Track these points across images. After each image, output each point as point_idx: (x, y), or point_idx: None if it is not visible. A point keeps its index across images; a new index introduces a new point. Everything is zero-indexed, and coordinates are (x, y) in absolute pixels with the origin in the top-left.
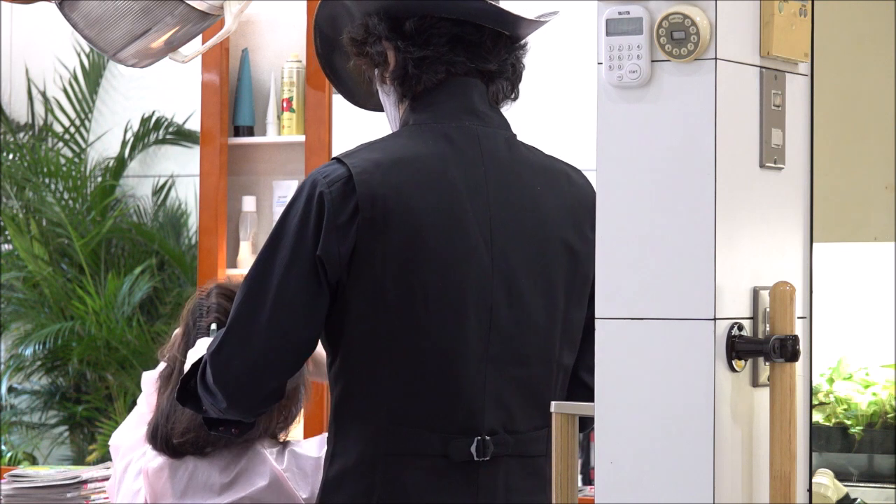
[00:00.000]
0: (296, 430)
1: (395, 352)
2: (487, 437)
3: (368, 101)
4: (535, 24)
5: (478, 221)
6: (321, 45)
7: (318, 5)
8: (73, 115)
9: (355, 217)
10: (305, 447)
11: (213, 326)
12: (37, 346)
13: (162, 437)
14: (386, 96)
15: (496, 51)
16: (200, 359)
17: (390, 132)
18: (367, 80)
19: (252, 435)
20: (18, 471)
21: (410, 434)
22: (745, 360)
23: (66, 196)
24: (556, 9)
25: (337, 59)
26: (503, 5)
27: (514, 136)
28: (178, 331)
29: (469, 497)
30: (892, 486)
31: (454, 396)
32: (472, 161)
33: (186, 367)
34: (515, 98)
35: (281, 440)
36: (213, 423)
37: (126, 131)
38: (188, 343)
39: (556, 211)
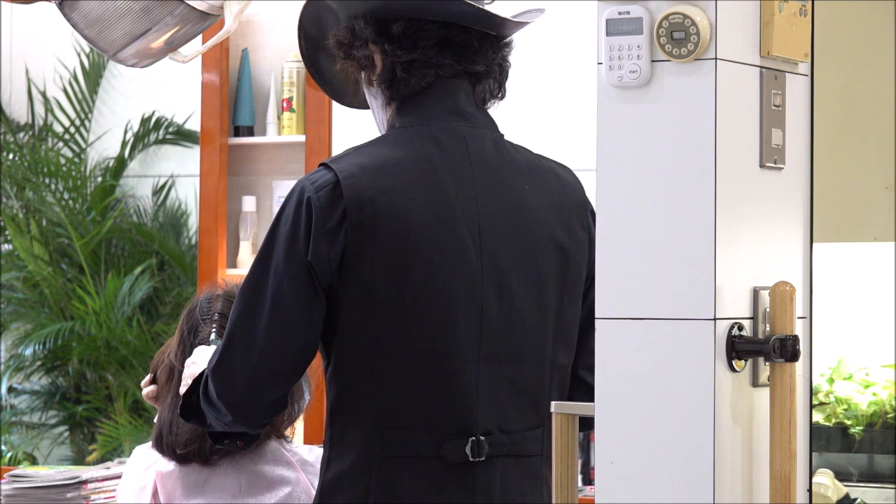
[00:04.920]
0: (296, 434)
1: (386, 354)
2: (482, 438)
3: (355, 100)
4: (521, 24)
5: (466, 222)
6: (306, 45)
7: (302, 6)
8: (73, 115)
9: (343, 222)
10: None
11: (213, 336)
12: (37, 346)
13: (167, 446)
14: (373, 99)
15: (483, 52)
16: (202, 373)
17: (378, 132)
18: (353, 80)
19: (258, 439)
20: (18, 471)
21: (404, 436)
22: (745, 360)
23: (66, 196)
24: (542, 6)
25: (322, 59)
26: (493, 4)
27: (502, 135)
28: (172, 339)
29: (465, 498)
30: (892, 486)
31: (447, 397)
32: (459, 162)
33: (185, 376)
34: (502, 97)
35: (289, 437)
36: (217, 436)
37: (126, 131)
38: (184, 351)
39: (545, 209)
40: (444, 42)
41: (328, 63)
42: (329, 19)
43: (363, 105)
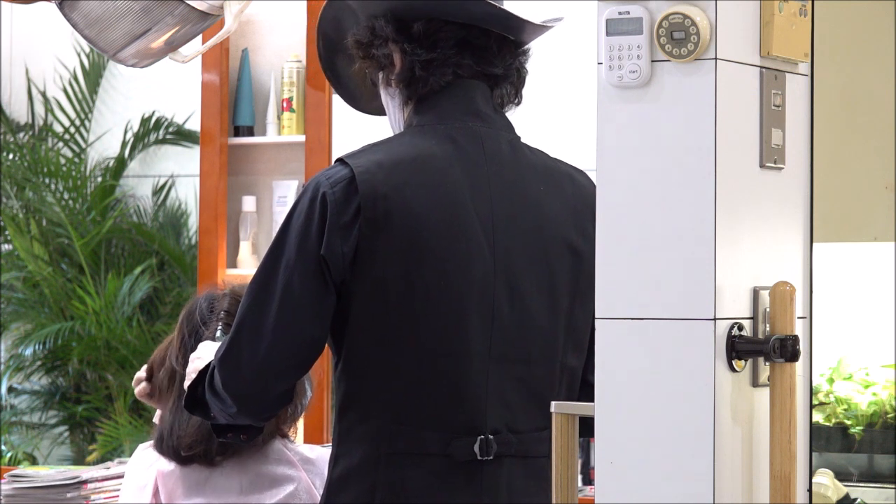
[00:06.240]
0: (297, 434)
1: (397, 351)
2: (490, 437)
3: (370, 105)
4: (540, 29)
5: (480, 222)
6: (324, 48)
7: (322, 7)
8: (73, 115)
9: (358, 217)
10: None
11: (219, 333)
12: (37, 346)
13: (169, 448)
14: (390, 98)
15: (501, 55)
16: (208, 365)
17: (392, 134)
18: (370, 83)
19: (260, 437)
20: (18, 471)
21: (413, 434)
22: (745, 360)
23: (66, 196)
24: (561, 14)
25: (339, 63)
26: (509, 9)
27: (518, 137)
28: (169, 339)
29: (472, 497)
30: (892, 486)
31: (457, 396)
32: (475, 162)
33: (189, 370)
34: (519, 102)
35: (292, 437)
36: (221, 429)
37: (126, 131)
38: (185, 354)
39: (559, 212)
40: (464, 43)
41: (345, 66)
42: (347, 20)
43: (378, 111)
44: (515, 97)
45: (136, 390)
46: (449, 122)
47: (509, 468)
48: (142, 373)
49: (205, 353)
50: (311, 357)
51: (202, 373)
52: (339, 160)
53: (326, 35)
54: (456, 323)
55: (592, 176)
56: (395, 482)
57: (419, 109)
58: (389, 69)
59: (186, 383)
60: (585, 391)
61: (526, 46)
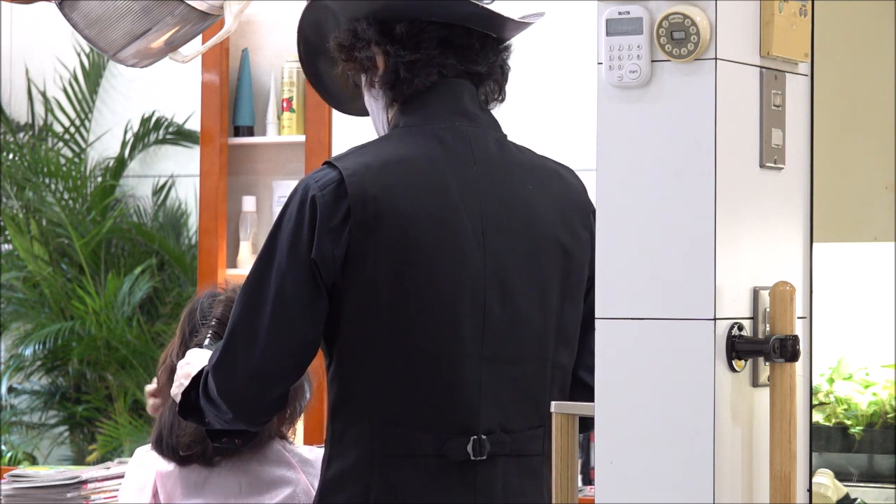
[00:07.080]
0: (296, 434)
1: (389, 352)
2: (484, 437)
3: (353, 106)
4: (521, 25)
5: (470, 221)
6: (305, 51)
7: (302, 11)
8: (73, 115)
9: (348, 219)
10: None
11: (207, 341)
12: (37, 346)
13: (168, 447)
14: (374, 101)
15: (484, 53)
16: (201, 371)
17: (377, 135)
18: (352, 85)
19: (259, 439)
20: (18, 471)
21: (406, 434)
22: (745, 360)
23: (66, 196)
24: (542, 9)
25: (321, 65)
26: (491, 6)
27: (505, 136)
28: (171, 345)
29: (466, 497)
30: (892, 486)
31: (449, 396)
32: (463, 162)
33: (178, 376)
34: (502, 99)
35: (291, 439)
36: (215, 434)
37: (126, 131)
38: (186, 350)
39: (548, 210)
40: (446, 43)
41: (327, 69)
42: (329, 24)
43: (361, 112)
44: (499, 94)
45: (149, 405)
46: (436, 122)
47: (504, 467)
48: (152, 386)
49: (193, 359)
50: (306, 361)
51: (195, 379)
52: (327, 163)
53: (307, 39)
54: (448, 323)
55: (592, 175)
56: (389, 483)
57: (405, 110)
58: (373, 71)
59: (175, 389)
60: (577, 388)
61: (508, 43)
